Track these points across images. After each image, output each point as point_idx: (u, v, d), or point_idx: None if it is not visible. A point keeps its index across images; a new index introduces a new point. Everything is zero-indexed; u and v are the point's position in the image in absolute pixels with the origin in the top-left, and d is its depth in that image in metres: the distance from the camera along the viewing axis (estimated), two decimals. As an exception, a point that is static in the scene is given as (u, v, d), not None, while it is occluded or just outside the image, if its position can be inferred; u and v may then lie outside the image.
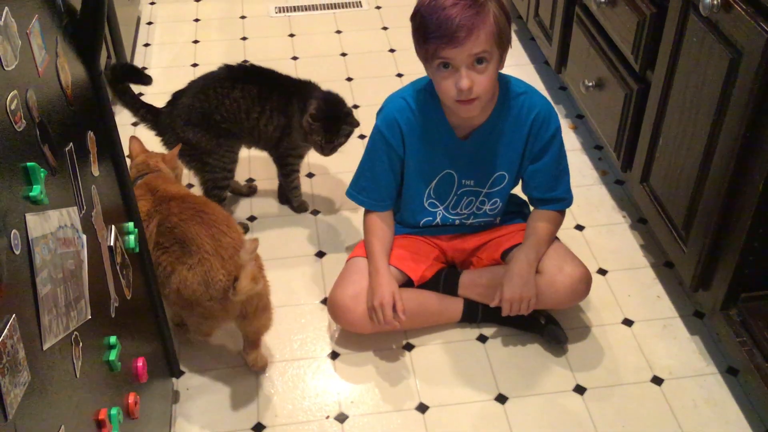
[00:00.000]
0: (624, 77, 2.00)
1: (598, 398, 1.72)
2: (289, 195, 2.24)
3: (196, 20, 3.20)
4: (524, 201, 1.92)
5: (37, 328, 0.86)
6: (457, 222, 1.85)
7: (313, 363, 1.81)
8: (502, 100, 1.69)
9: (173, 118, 2.03)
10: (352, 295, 1.75)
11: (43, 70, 0.97)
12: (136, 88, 2.08)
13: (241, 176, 2.32)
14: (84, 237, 1.06)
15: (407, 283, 1.81)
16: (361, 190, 1.81)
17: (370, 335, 1.81)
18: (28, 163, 0.86)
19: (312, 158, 2.22)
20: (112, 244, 1.22)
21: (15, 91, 0.85)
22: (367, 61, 2.92)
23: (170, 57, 2.96)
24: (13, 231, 0.80)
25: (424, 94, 1.70)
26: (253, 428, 1.67)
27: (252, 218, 2.24)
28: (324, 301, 1.95)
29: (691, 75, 1.66)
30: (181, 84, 2.10)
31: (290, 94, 2.05)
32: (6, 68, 0.83)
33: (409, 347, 1.84)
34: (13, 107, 0.84)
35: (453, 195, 1.79)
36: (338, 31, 3.10)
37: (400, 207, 1.86)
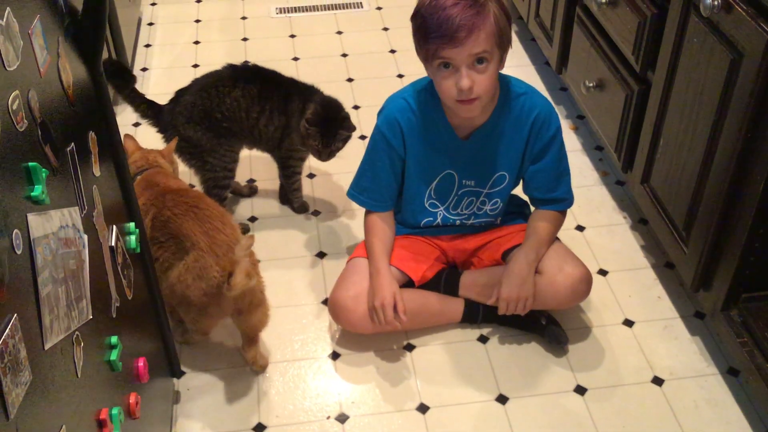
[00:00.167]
0: (625, 78, 2.01)
1: (599, 399, 1.72)
2: (290, 196, 2.24)
3: (197, 21, 3.20)
4: (525, 201, 1.92)
5: (39, 327, 0.86)
6: (458, 222, 1.85)
7: (314, 363, 1.81)
8: (503, 101, 1.69)
9: (175, 115, 2.03)
10: (352, 296, 1.75)
11: (45, 70, 0.97)
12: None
13: (241, 177, 2.32)
14: (85, 237, 1.06)
15: (408, 283, 1.81)
16: (362, 190, 1.81)
17: (370, 336, 1.82)
18: (30, 163, 0.86)
19: (313, 159, 2.22)
20: (113, 244, 1.22)
21: (17, 92, 0.85)
22: (368, 61, 2.92)
23: (171, 58, 2.96)
24: (15, 231, 0.81)
25: (424, 94, 1.70)
26: (253, 428, 1.67)
27: (253, 219, 2.24)
28: (325, 302, 1.96)
29: (692, 76, 1.66)
30: (181, 85, 2.10)
31: (291, 95, 2.05)
32: (8, 68, 0.83)
33: (410, 348, 1.84)
34: (14, 107, 0.84)
35: (454, 195, 1.79)
36: (339, 32, 3.11)
37: (401, 207, 1.86)
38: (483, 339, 1.86)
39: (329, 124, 1.99)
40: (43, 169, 0.88)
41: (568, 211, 1.85)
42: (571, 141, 2.45)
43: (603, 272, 2.03)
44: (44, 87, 0.96)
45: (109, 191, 1.27)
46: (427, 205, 1.82)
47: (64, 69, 1.06)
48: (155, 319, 1.54)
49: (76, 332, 0.98)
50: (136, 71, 2.85)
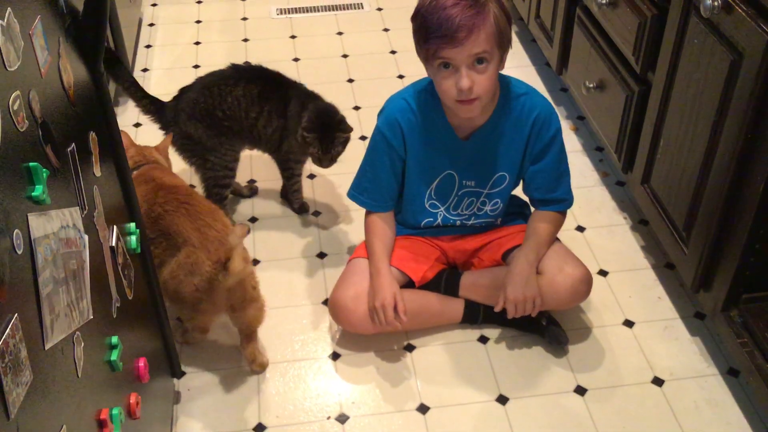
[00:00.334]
0: (625, 78, 2.01)
1: (599, 399, 1.72)
2: (290, 197, 2.25)
3: (198, 22, 3.20)
4: (525, 202, 1.92)
5: (39, 327, 0.86)
6: (458, 223, 1.85)
7: (314, 364, 1.82)
8: (503, 101, 1.69)
9: (177, 112, 2.04)
10: (353, 296, 1.76)
11: (46, 70, 0.97)
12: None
13: (242, 177, 2.32)
14: (86, 237, 1.06)
15: (408, 284, 1.81)
16: (363, 190, 1.81)
17: (371, 336, 1.82)
18: (31, 164, 0.86)
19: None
20: (113, 244, 1.22)
21: (17, 92, 0.85)
22: (369, 62, 2.92)
23: (172, 58, 2.96)
24: (16, 231, 0.81)
25: (424, 94, 1.70)
26: (254, 429, 1.67)
27: (253, 219, 2.24)
28: (325, 302, 1.96)
29: (692, 76, 1.66)
30: (182, 86, 2.10)
31: (290, 98, 2.05)
32: (9, 69, 0.83)
33: (410, 348, 1.84)
34: (15, 108, 0.84)
35: (454, 196, 1.80)
36: (339, 33, 3.11)
37: (401, 208, 1.86)
38: (483, 339, 1.86)
39: (326, 129, 1.98)
40: (44, 169, 0.88)
41: (569, 211, 1.85)
42: (571, 142, 2.45)
43: (603, 273, 2.03)
44: (45, 87, 0.96)
45: (110, 191, 1.27)
46: (427, 206, 1.82)
47: (65, 69, 1.06)
48: (156, 320, 1.55)
49: (77, 332, 0.99)
50: (137, 72, 2.85)
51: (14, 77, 0.85)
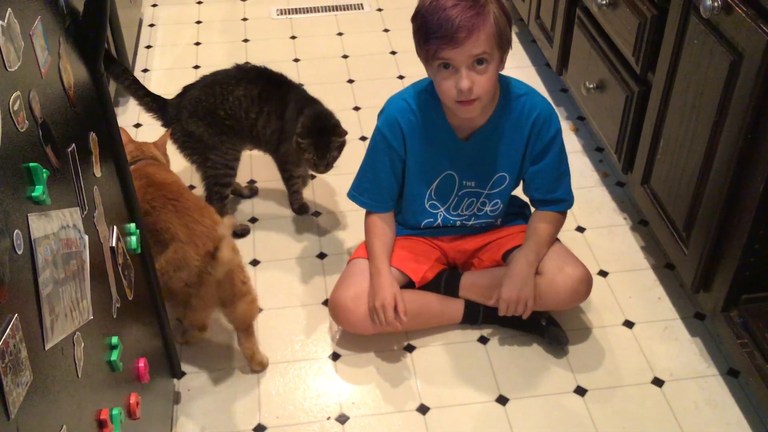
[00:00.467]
0: (625, 79, 2.01)
1: (599, 400, 1.72)
2: (290, 198, 2.25)
3: (198, 22, 3.20)
4: (525, 203, 1.92)
5: (39, 328, 0.86)
6: (458, 223, 1.85)
7: (314, 364, 1.82)
8: (503, 102, 1.69)
9: (180, 109, 2.05)
10: (353, 296, 1.76)
11: (46, 71, 0.97)
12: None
13: (242, 177, 2.32)
14: (86, 237, 1.06)
15: (408, 284, 1.81)
16: (363, 191, 1.81)
17: (371, 336, 1.82)
18: (31, 164, 0.86)
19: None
20: (114, 244, 1.22)
21: (18, 92, 0.85)
22: (369, 63, 2.92)
23: (172, 59, 2.97)
24: (16, 231, 0.81)
25: (425, 95, 1.70)
26: (254, 429, 1.67)
27: (253, 220, 2.24)
28: (325, 303, 1.96)
29: (692, 77, 1.66)
30: (182, 86, 2.11)
31: (289, 101, 2.05)
32: (9, 69, 0.84)
33: (410, 348, 1.84)
34: (15, 108, 0.84)
35: (454, 196, 1.80)
36: (340, 33, 3.11)
37: (402, 208, 1.86)
38: (483, 340, 1.86)
39: (321, 134, 1.96)
40: (44, 170, 0.89)
41: (569, 212, 1.85)
42: (571, 142, 2.45)
43: (603, 273, 2.03)
44: (45, 88, 0.96)
45: (110, 192, 1.28)
46: (427, 206, 1.82)
47: (65, 70, 1.07)
48: (156, 320, 1.55)
49: (77, 332, 0.99)
50: (137, 72, 2.85)
51: (14, 77, 0.85)
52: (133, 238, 1.35)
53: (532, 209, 1.87)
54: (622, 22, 1.97)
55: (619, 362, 1.80)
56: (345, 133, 2.01)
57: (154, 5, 3.32)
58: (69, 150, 1.04)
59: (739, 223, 1.55)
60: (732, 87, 1.50)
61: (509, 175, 1.77)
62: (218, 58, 2.89)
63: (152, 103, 2.08)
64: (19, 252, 0.81)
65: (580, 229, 2.17)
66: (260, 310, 1.94)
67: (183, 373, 1.78)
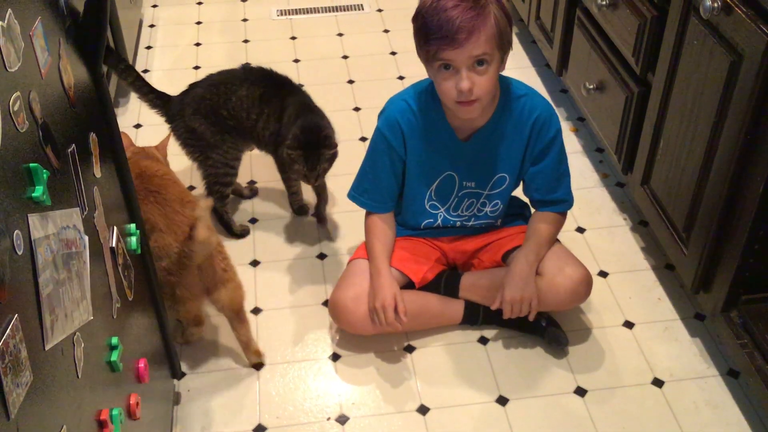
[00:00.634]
0: (625, 80, 2.01)
1: (599, 400, 1.72)
2: (289, 199, 2.25)
3: (198, 23, 3.20)
4: (525, 203, 1.92)
5: (39, 328, 0.86)
6: (458, 224, 1.85)
7: (314, 365, 1.82)
8: (503, 102, 1.69)
9: (184, 105, 2.05)
10: (353, 297, 1.76)
11: (46, 71, 0.97)
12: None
13: (242, 178, 2.32)
14: (86, 238, 1.06)
15: (408, 284, 1.81)
16: (363, 191, 1.81)
17: (371, 337, 1.82)
18: (31, 164, 0.86)
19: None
20: (114, 245, 1.22)
21: (18, 93, 0.85)
22: (369, 63, 2.92)
23: (172, 60, 2.97)
24: (16, 231, 0.81)
25: (425, 95, 1.70)
26: (254, 429, 1.67)
27: (253, 220, 2.24)
28: (325, 303, 1.96)
29: (692, 77, 1.66)
30: (182, 87, 2.11)
31: (288, 105, 2.05)
32: (9, 69, 0.84)
33: (410, 349, 1.84)
34: (16, 108, 0.84)
35: (454, 197, 1.80)
36: (340, 34, 3.11)
37: (402, 209, 1.86)
38: (483, 340, 1.86)
39: (311, 146, 1.94)
40: (44, 170, 0.89)
41: (569, 212, 1.85)
42: (571, 143, 2.45)
43: (603, 274, 2.03)
44: (45, 88, 0.97)
45: (110, 192, 1.28)
46: (427, 207, 1.82)
47: (65, 70, 1.07)
48: (156, 320, 1.55)
49: (77, 333, 0.99)
50: (137, 73, 2.85)
51: (15, 78, 0.85)
52: (133, 239, 1.35)
53: (532, 210, 1.87)
54: (622, 23, 1.97)
55: (619, 363, 1.80)
56: (335, 144, 1.98)
57: (155, 6, 3.32)
58: (69, 150, 1.04)
59: (739, 223, 1.55)
60: (732, 87, 1.50)
61: (509, 176, 1.77)
62: (218, 59, 2.89)
63: (156, 99, 2.08)
64: (20, 252, 0.81)
65: (580, 230, 2.17)
66: (260, 310, 1.95)
67: (183, 374, 1.78)
